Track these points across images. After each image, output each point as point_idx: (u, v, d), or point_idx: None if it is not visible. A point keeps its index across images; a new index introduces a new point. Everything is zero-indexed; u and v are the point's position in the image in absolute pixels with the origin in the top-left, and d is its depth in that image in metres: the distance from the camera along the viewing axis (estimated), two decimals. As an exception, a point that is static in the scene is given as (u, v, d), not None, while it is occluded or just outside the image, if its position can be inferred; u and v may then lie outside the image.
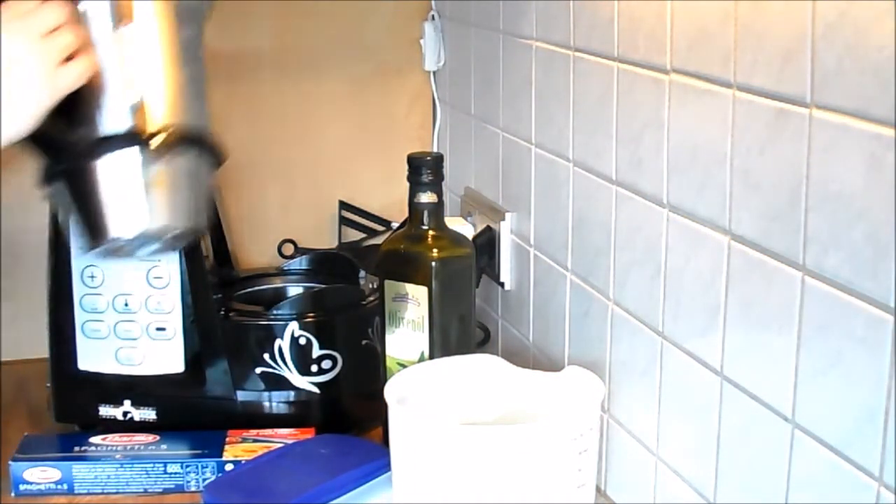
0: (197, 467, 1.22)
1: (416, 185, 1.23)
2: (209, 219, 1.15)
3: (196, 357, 1.31)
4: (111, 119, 1.03)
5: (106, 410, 1.32)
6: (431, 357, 1.21)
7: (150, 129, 1.03)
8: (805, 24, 0.79)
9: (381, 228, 1.72)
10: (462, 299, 1.24)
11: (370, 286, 1.39)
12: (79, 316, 1.29)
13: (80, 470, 1.21)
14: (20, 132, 0.97)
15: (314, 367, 1.32)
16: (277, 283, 1.51)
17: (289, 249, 1.67)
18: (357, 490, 1.15)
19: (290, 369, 1.32)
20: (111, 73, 1.02)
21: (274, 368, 1.32)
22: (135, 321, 1.29)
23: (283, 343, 1.32)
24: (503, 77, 1.43)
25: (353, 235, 1.72)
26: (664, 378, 1.04)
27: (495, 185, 1.48)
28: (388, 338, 1.24)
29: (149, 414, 1.32)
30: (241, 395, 1.32)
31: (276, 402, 1.33)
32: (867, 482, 0.76)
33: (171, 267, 1.28)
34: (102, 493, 1.22)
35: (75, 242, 1.24)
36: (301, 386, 1.32)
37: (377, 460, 1.16)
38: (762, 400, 0.88)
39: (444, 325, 1.22)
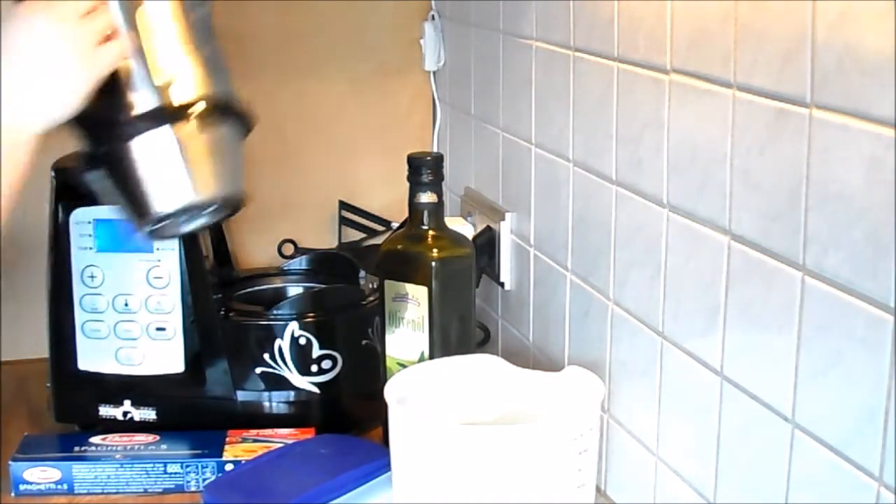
0: (197, 467, 1.22)
1: (416, 185, 1.23)
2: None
3: (196, 357, 1.31)
4: (145, 97, 1.03)
5: (106, 410, 1.32)
6: (431, 357, 1.21)
7: (184, 101, 1.04)
8: (805, 24, 0.79)
9: (381, 228, 1.72)
10: (462, 299, 1.24)
11: (370, 286, 1.39)
12: (79, 316, 1.29)
13: (80, 470, 1.21)
14: (65, 115, 0.98)
15: (314, 367, 1.32)
16: (277, 283, 1.50)
17: (289, 249, 1.67)
18: (357, 490, 1.15)
19: (290, 369, 1.32)
20: (139, 53, 1.03)
21: (274, 368, 1.32)
22: (135, 321, 1.29)
23: (283, 343, 1.31)
24: (503, 77, 1.43)
25: (353, 235, 1.72)
26: (664, 378, 1.04)
27: (495, 185, 1.48)
28: (388, 338, 1.24)
29: (149, 414, 1.32)
30: (241, 395, 1.32)
31: (276, 402, 1.33)
32: (867, 482, 0.76)
33: (171, 267, 1.28)
34: (102, 493, 1.22)
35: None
36: (301, 386, 1.32)
37: (377, 460, 1.16)
38: (762, 400, 0.88)
39: (444, 325, 1.22)
